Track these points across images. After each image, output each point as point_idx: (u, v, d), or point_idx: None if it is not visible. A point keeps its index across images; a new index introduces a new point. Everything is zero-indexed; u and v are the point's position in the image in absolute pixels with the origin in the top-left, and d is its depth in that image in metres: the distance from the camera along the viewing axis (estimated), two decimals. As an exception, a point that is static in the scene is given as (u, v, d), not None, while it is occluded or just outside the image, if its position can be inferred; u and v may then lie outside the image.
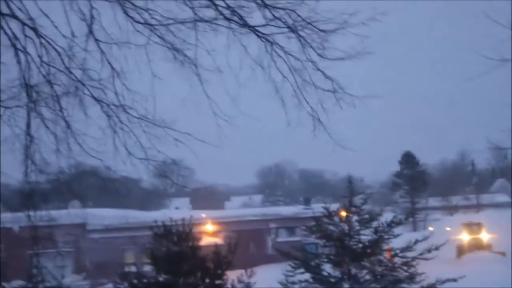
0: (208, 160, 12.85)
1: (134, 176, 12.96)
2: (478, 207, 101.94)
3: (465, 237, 64.48)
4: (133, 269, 18.41)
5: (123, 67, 10.97)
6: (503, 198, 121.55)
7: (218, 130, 11.04)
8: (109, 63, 10.91)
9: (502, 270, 42.88)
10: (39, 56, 10.88)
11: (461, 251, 61.38)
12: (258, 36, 10.63)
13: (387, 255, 18.24)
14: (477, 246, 62.79)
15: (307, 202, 70.62)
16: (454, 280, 17.33)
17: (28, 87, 11.01)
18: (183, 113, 11.32)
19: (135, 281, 17.30)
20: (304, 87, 10.89)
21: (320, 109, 10.96)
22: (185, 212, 44.24)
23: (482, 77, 11.29)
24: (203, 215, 58.07)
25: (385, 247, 18.41)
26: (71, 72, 11.07)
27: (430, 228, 75.88)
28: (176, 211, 70.19)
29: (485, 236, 64.36)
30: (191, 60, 10.96)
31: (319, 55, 10.55)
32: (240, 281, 18.25)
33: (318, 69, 10.69)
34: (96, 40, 10.70)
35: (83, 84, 11.19)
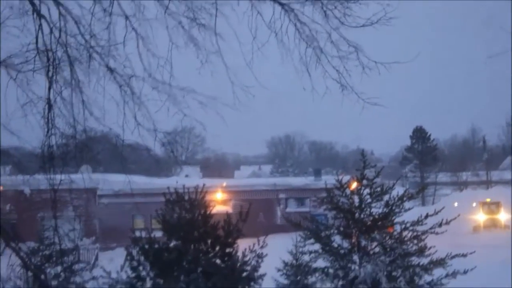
0: (219, 129, 12.85)
1: (143, 147, 13.07)
2: (488, 183, 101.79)
3: (481, 217, 63.26)
4: (143, 234, 18.45)
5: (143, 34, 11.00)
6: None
7: (234, 99, 11.06)
8: (134, 29, 10.92)
9: None
10: (56, 21, 10.91)
11: (477, 232, 59.93)
12: (279, 3, 10.62)
13: (389, 230, 18.26)
14: (494, 227, 61.70)
15: (317, 173, 70.81)
16: (464, 255, 17.37)
17: (44, 51, 11.04)
18: (197, 82, 11.36)
19: (146, 246, 17.40)
20: (327, 54, 10.88)
21: (345, 72, 10.94)
22: (195, 180, 44.38)
23: (504, 55, 11.24)
24: (216, 183, 58.33)
25: (389, 226, 18.44)
26: (86, 40, 11.10)
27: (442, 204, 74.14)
28: (186, 179, 70.42)
29: (503, 216, 63.02)
30: (209, 27, 10.96)
31: (341, 23, 10.53)
32: (251, 251, 18.32)
33: (342, 37, 10.68)
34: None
35: (97, 52, 11.22)
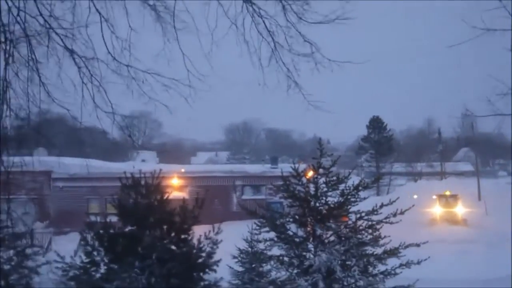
0: (176, 115, 12.82)
1: (100, 129, 12.95)
2: (442, 174, 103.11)
3: (438, 210, 61.74)
4: (98, 219, 18.32)
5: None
6: (466, 166, 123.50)
7: (190, 87, 11.04)
8: (98, 11, 10.80)
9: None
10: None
11: (434, 225, 58.14)
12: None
13: (344, 219, 18.36)
14: (451, 221, 59.46)
15: (273, 161, 70.93)
16: (417, 245, 17.57)
17: (1, 28, 10.87)
18: (155, 68, 11.30)
19: (101, 231, 17.27)
20: (281, 50, 10.90)
21: (295, 71, 10.99)
22: (152, 165, 44.18)
23: (464, 45, 11.32)
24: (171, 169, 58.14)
25: (344, 215, 18.53)
26: (45, 21, 10.95)
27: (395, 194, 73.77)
28: (143, 163, 70.15)
29: (460, 210, 61.55)
30: (168, 12, 10.90)
31: (299, 18, 10.54)
32: (207, 237, 18.30)
33: (298, 32, 10.71)
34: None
35: (56, 33, 11.08)
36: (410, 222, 39.11)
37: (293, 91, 11.12)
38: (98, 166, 54.15)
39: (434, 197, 62.63)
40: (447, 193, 63.63)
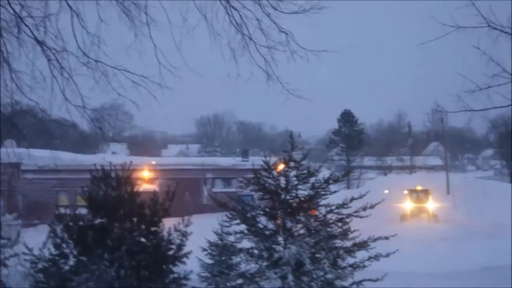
0: (147, 107, 12.79)
1: (69, 122, 12.87)
2: (412, 168, 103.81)
3: (409, 205, 60.11)
4: (67, 211, 18.24)
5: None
6: (436, 161, 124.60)
7: (160, 79, 11.00)
8: (68, 5, 10.73)
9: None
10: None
11: (404, 221, 56.64)
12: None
13: (313, 212, 18.45)
14: (422, 216, 58.36)
15: (244, 154, 70.90)
16: (386, 238, 17.71)
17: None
18: (126, 63, 11.25)
19: (70, 223, 17.19)
20: (256, 41, 10.90)
21: (272, 61, 10.98)
22: (122, 158, 44.01)
23: (434, 42, 11.43)
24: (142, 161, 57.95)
25: (314, 208, 18.62)
26: (15, 11, 10.87)
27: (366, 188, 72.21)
28: (113, 156, 69.84)
29: (431, 205, 59.95)
30: (139, 6, 10.87)
31: (274, 8, 10.55)
32: (176, 229, 18.28)
33: (273, 22, 10.71)
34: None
35: (25, 24, 10.99)
36: (381, 217, 39.47)
37: (271, 81, 11.08)
38: (68, 158, 53.82)
39: (405, 192, 61.25)
40: (418, 188, 61.97)
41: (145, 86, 11.02)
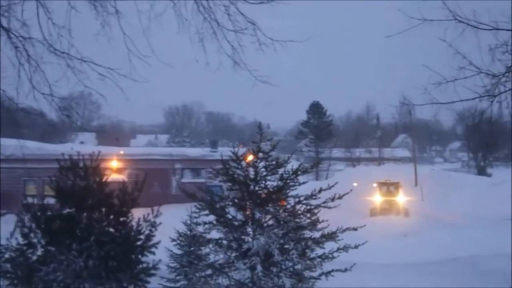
0: (116, 97, 12.73)
1: (37, 111, 12.75)
2: (380, 160, 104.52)
3: (378, 199, 59.13)
4: (35, 201, 18.12)
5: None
6: (404, 153, 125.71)
7: (130, 67, 10.94)
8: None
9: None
10: None
11: (374, 216, 55.14)
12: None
13: (282, 203, 18.49)
14: (392, 210, 56.79)
15: (213, 145, 70.86)
16: (355, 229, 17.77)
17: None
18: (95, 51, 11.19)
19: (38, 213, 17.09)
20: (223, 29, 10.88)
21: (239, 47, 10.97)
22: (90, 147, 43.77)
23: (401, 35, 11.52)
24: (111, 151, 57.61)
25: (283, 199, 18.66)
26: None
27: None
28: (81, 145, 69.41)
29: (401, 198, 59.08)
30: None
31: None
32: (145, 220, 18.26)
33: (239, 12, 10.70)
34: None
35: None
36: (350, 211, 39.72)
37: (238, 67, 11.08)
38: (35, 147, 53.42)
39: (375, 185, 60.50)
40: (388, 180, 61.21)
41: (112, 78, 10.95)
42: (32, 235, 16.83)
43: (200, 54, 11.07)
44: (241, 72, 11.12)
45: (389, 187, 60.13)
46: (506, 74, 11.54)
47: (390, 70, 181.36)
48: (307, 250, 17.90)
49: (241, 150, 19.12)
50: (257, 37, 10.75)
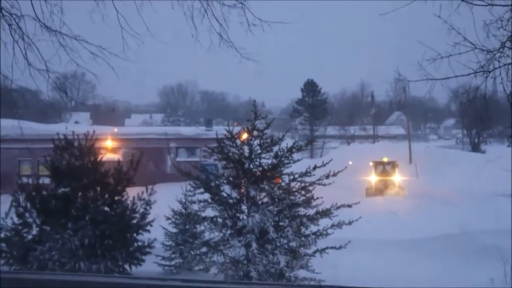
0: (110, 77, 12.69)
1: (33, 88, 12.68)
2: (375, 138, 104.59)
3: (374, 179, 57.29)
4: (30, 180, 18.16)
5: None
6: (398, 130, 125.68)
7: (124, 45, 10.89)
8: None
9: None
10: None
11: (370, 196, 52.78)
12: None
13: (277, 180, 18.54)
14: (387, 190, 55.04)
15: (208, 123, 70.74)
16: (349, 206, 17.84)
17: None
18: (88, 30, 11.13)
19: (33, 193, 17.15)
20: (212, 8, 10.84)
21: (225, 23, 10.94)
22: (85, 127, 43.74)
23: (396, 12, 11.50)
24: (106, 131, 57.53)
25: (278, 177, 18.70)
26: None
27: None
28: (76, 125, 69.28)
29: (398, 178, 57.26)
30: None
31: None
32: (140, 199, 18.34)
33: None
34: None
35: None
36: (345, 190, 39.68)
37: (224, 45, 11.06)
38: (31, 127, 53.26)
39: (371, 163, 58.63)
40: (384, 159, 59.47)
41: (104, 57, 10.91)
42: (27, 214, 16.91)
43: (193, 32, 11.04)
44: (227, 50, 11.10)
45: (385, 166, 58.76)
46: (501, 50, 11.54)
47: (384, 48, 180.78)
48: (301, 227, 17.99)
49: (236, 129, 19.10)
50: (246, 17, 10.71)
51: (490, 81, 12.05)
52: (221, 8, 10.78)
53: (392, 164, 58.64)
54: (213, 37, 10.98)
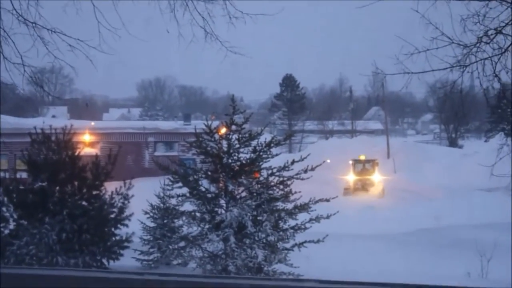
0: (88, 71, 12.63)
1: (9, 82, 12.60)
2: (353, 132, 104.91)
3: (352, 178, 55.60)
4: (7, 175, 18.09)
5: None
6: (376, 125, 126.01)
7: (100, 40, 10.85)
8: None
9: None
10: None
11: (347, 196, 49.76)
12: None
13: (255, 175, 18.59)
14: (366, 190, 53.83)
15: (186, 118, 70.62)
16: (327, 200, 17.90)
17: None
18: (64, 24, 11.07)
19: (10, 187, 17.07)
20: (194, 1, 10.82)
21: (209, 18, 10.94)
22: (63, 121, 43.54)
23: (374, 5, 11.54)
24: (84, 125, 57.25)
25: (256, 171, 18.74)
26: None
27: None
28: (53, 119, 68.85)
29: (377, 177, 55.81)
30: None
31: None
32: (118, 193, 18.31)
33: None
34: None
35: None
36: (323, 188, 39.73)
37: (207, 39, 11.05)
38: (7, 121, 52.89)
39: (350, 162, 56.87)
40: (362, 157, 57.85)
41: (82, 50, 10.86)
42: (4, 209, 16.80)
43: (173, 26, 11.01)
44: (212, 44, 11.09)
45: (364, 164, 57.27)
46: (477, 45, 11.64)
47: (363, 42, 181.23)
48: (280, 222, 18.04)
49: (214, 123, 19.10)
50: (228, 10, 10.71)
51: (467, 76, 12.16)
52: (204, 3, 10.80)
53: (372, 163, 57.38)
54: (195, 31, 10.97)
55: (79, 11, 10.58)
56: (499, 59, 11.50)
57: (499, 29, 11.39)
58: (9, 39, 10.92)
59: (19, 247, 16.05)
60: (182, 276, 4.23)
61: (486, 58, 11.61)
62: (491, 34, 11.49)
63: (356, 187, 54.58)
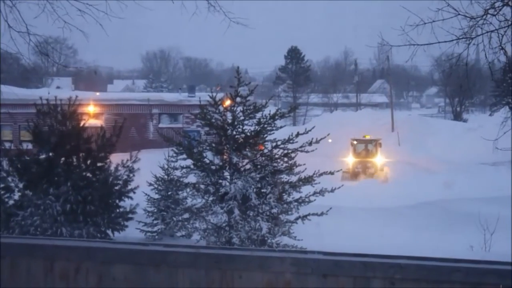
0: (93, 42, 12.61)
1: (14, 51, 12.56)
2: (357, 105, 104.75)
3: (351, 160, 50.87)
4: (12, 146, 18.12)
5: None
6: (381, 98, 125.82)
7: (107, 7, 10.82)
8: None
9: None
10: None
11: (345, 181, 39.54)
12: None
13: (260, 147, 18.57)
14: (367, 174, 49.43)
15: (191, 90, 70.47)
16: (331, 173, 17.90)
17: None
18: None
19: (14, 158, 17.10)
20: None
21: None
22: (67, 92, 43.52)
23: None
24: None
25: (260, 143, 18.72)
26: None
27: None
28: (58, 90, 68.76)
29: (379, 160, 51.19)
30: None
31: None
32: (123, 165, 18.33)
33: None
34: None
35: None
36: (327, 160, 39.71)
37: (210, 10, 11.03)
38: (11, 92, 52.86)
39: (351, 141, 52.26)
40: (367, 137, 53.14)
41: (91, 14, 10.83)
42: (9, 179, 16.85)
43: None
44: (216, 14, 11.07)
45: (367, 145, 52.46)
46: (484, 17, 11.59)
47: (368, 14, 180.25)
48: (284, 194, 18.06)
49: (219, 95, 19.06)
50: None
51: (472, 48, 12.12)
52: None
53: (375, 143, 52.41)
54: (199, 2, 10.94)
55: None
56: (505, 31, 11.47)
57: (506, 0, 11.34)
58: (13, 8, 10.90)
59: (23, 217, 16.11)
60: (186, 247, 4.26)
61: (492, 31, 11.57)
62: (498, 6, 11.44)
63: (356, 171, 50.01)
